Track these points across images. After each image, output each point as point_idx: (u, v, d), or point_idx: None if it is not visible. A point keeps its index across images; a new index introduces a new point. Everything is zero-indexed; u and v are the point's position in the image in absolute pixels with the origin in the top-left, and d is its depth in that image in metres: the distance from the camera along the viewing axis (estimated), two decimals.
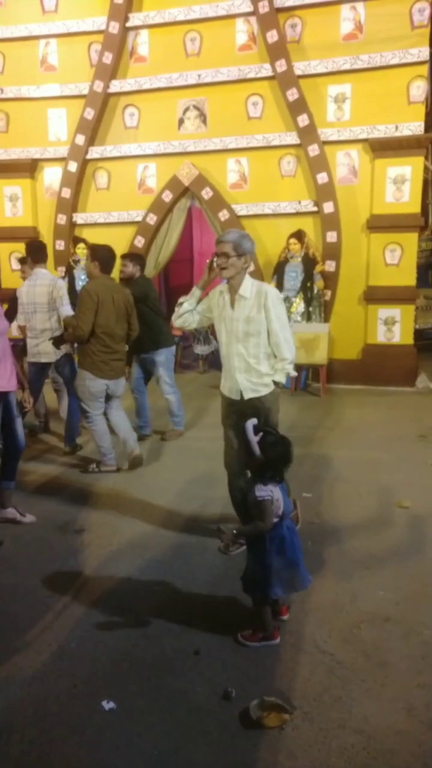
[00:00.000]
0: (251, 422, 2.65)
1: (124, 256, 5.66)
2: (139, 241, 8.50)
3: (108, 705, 2.33)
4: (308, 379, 8.13)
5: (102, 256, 4.78)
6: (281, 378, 3.41)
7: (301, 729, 2.21)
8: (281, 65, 7.55)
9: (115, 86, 8.22)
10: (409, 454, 5.24)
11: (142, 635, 2.76)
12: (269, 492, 2.58)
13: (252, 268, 7.88)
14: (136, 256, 5.80)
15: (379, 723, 2.23)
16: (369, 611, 2.93)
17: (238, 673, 2.50)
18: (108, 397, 4.87)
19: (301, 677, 2.48)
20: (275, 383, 3.40)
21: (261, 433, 2.61)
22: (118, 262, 5.15)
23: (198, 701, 2.36)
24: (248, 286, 3.32)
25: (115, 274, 5.20)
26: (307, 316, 7.88)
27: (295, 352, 3.42)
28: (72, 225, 8.72)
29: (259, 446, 2.59)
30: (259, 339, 3.31)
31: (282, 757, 2.09)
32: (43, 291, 5.17)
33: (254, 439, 2.59)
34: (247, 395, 3.39)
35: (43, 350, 5.23)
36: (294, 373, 3.57)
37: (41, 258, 5.34)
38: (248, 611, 2.87)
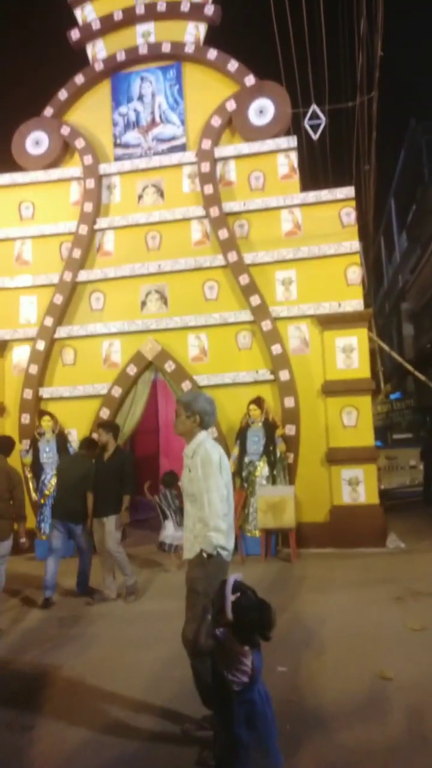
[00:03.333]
0: (234, 577, 2.48)
1: (99, 425, 6.67)
2: (104, 413, 8.70)
3: None
4: (278, 544, 7.91)
5: None
6: (204, 546, 3.10)
7: None
8: (233, 256, 8.51)
9: (83, 276, 9.04)
10: (386, 618, 4.96)
11: None
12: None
13: (215, 434, 8.12)
14: (109, 425, 6.59)
15: None
16: None
17: None
18: None
19: None
20: (201, 550, 3.14)
21: (238, 593, 2.41)
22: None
23: None
24: (193, 445, 3.33)
25: None
26: (272, 479, 7.91)
27: (219, 522, 3.10)
28: (38, 399, 8.94)
29: (232, 606, 2.38)
30: (195, 499, 3.22)
31: None
32: None
33: (230, 597, 2.38)
34: (185, 555, 3.31)
35: None
36: (222, 548, 3.13)
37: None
38: None
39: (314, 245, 8.45)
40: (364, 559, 7.16)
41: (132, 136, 9.34)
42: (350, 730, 3.22)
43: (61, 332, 9.00)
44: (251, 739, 2.30)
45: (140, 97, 9.37)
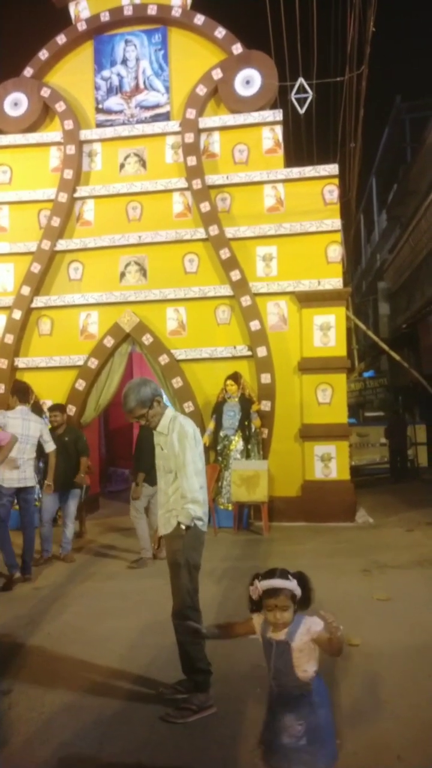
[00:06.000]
0: (268, 576, 2.37)
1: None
2: (80, 384, 8.67)
3: None
4: (250, 517, 8.08)
5: None
6: (182, 518, 3.18)
7: None
8: (214, 230, 8.46)
9: (62, 245, 8.89)
10: (354, 589, 5.16)
11: None
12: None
13: (191, 408, 8.18)
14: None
15: None
16: None
17: None
18: None
19: None
20: (178, 523, 3.22)
21: (287, 576, 2.38)
22: None
23: None
24: (165, 422, 3.35)
25: None
26: (246, 454, 8.03)
27: (197, 494, 3.19)
28: (14, 369, 8.85)
29: (300, 585, 2.39)
30: (173, 474, 3.29)
31: None
32: (36, 427, 5.98)
33: (290, 584, 2.34)
34: (160, 531, 3.38)
35: (29, 476, 5.87)
36: (198, 519, 3.23)
37: (26, 399, 6.23)
38: None
39: (296, 222, 8.44)
40: (333, 533, 7.37)
41: (114, 102, 9.12)
42: None
43: (38, 302, 8.88)
44: (330, 714, 2.31)
45: (124, 61, 9.12)
